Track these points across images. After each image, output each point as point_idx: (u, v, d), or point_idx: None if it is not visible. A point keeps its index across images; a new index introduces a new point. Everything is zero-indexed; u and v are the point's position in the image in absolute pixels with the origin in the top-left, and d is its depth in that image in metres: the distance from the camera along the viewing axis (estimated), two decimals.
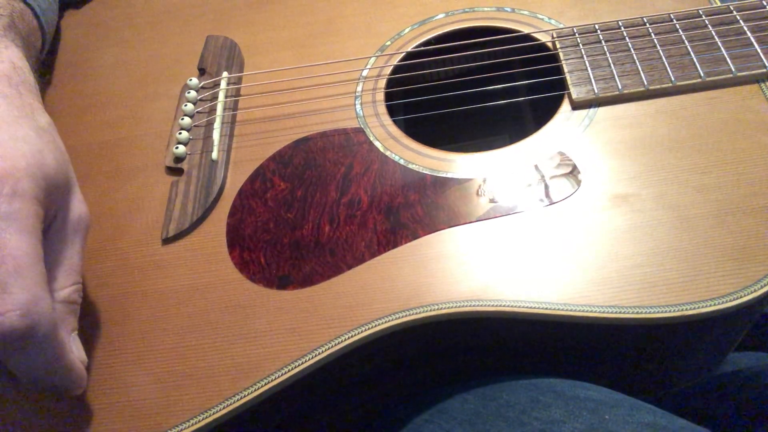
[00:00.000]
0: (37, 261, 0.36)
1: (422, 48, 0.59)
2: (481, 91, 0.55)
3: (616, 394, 0.43)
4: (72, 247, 0.40)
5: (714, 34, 0.51)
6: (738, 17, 0.52)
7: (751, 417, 0.52)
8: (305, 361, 0.41)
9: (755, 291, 0.40)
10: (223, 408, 0.40)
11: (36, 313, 0.34)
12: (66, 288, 0.39)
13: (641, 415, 0.39)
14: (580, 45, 0.54)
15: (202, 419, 0.40)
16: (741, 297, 0.40)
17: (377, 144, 0.52)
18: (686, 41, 0.52)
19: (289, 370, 0.41)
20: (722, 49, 0.50)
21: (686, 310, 0.40)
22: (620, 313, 0.40)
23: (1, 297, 0.33)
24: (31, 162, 0.37)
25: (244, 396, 0.41)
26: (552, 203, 0.46)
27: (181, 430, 0.40)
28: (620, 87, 0.50)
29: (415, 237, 0.46)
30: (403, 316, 0.42)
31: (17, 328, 0.33)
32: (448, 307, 0.42)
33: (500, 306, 0.42)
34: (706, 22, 0.52)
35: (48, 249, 0.38)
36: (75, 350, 0.39)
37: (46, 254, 0.37)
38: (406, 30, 0.60)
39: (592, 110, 0.51)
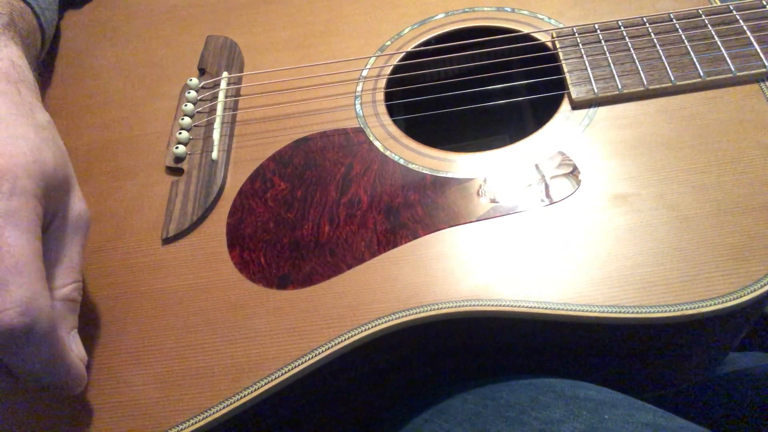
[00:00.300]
0: (36, 258, 0.36)
1: (422, 48, 0.59)
2: (480, 91, 0.55)
3: (616, 393, 0.43)
4: (72, 245, 0.40)
5: (714, 33, 0.51)
6: (738, 17, 0.52)
7: (751, 417, 0.51)
8: (305, 361, 0.41)
9: (755, 290, 0.40)
10: (223, 408, 0.40)
11: (35, 311, 0.34)
12: (66, 286, 0.39)
13: (640, 415, 0.39)
14: (580, 45, 0.54)
15: (202, 419, 0.40)
16: (741, 296, 0.40)
17: (377, 144, 0.52)
18: (686, 41, 0.52)
19: (288, 370, 0.41)
20: (722, 48, 0.50)
21: (686, 309, 0.40)
22: (620, 312, 0.40)
23: (3, 294, 0.33)
24: (30, 159, 0.37)
25: (244, 396, 0.41)
26: (552, 203, 0.46)
27: (181, 429, 0.40)
28: (620, 87, 0.50)
29: (415, 237, 0.46)
30: (403, 316, 0.42)
31: (16, 326, 0.33)
32: (448, 307, 0.42)
33: (500, 306, 0.42)
34: (706, 21, 0.52)
35: (48, 247, 0.38)
36: (75, 348, 0.39)
37: (45, 252, 0.37)
38: (406, 30, 0.60)
39: (591, 110, 0.51)
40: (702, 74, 0.50)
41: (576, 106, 0.51)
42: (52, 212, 0.39)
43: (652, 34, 0.53)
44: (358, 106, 0.55)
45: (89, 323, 0.45)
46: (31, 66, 0.47)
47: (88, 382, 0.42)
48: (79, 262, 0.41)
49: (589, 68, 0.52)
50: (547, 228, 0.44)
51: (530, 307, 0.41)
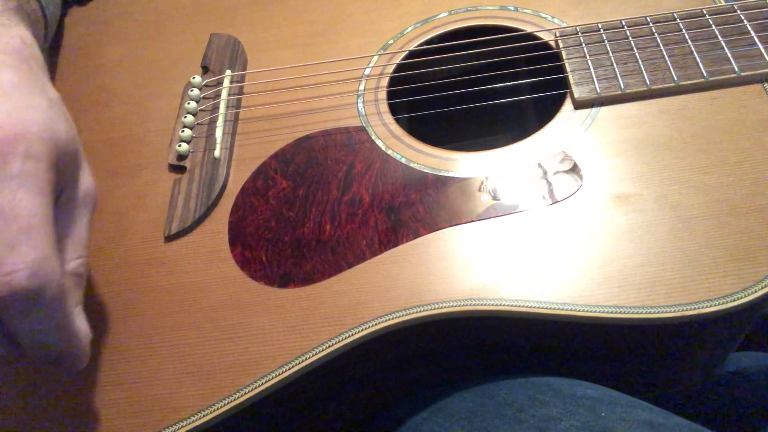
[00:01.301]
0: (48, 222, 0.35)
1: (425, 47, 0.59)
2: (483, 89, 0.55)
3: (614, 392, 0.43)
4: (80, 219, 0.39)
5: (717, 33, 0.51)
6: (742, 16, 0.52)
7: (751, 417, 0.52)
8: (305, 359, 0.42)
9: (756, 291, 0.40)
10: (224, 405, 0.41)
11: (45, 274, 0.33)
12: (73, 260, 0.38)
13: (637, 413, 0.39)
14: (583, 44, 0.54)
15: (203, 416, 0.40)
16: (741, 298, 0.40)
17: (379, 142, 0.52)
18: (689, 41, 0.51)
19: (289, 368, 0.41)
20: (725, 48, 0.50)
21: (686, 310, 0.40)
22: (620, 312, 0.40)
23: (10, 255, 0.32)
24: (43, 128, 0.37)
25: (245, 393, 0.41)
26: (553, 203, 0.46)
27: (183, 426, 0.40)
28: (622, 86, 0.50)
29: (417, 236, 0.46)
30: (403, 315, 0.42)
31: (25, 288, 0.32)
32: (449, 306, 0.42)
33: (500, 305, 0.42)
34: (710, 21, 0.52)
35: (56, 220, 0.37)
36: (80, 324, 0.38)
37: (55, 224, 0.36)
38: (409, 28, 0.60)
39: (594, 109, 0.50)
40: (705, 74, 0.49)
41: (578, 105, 0.51)
42: (62, 184, 0.39)
43: (655, 33, 0.53)
44: (360, 105, 0.55)
45: (91, 320, 0.45)
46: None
47: (89, 378, 0.43)
48: (86, 237, 0.40)
49: (591, 68, 0.52)
50: (549, 227, 0.44)
51: (531, 307, 0.41)
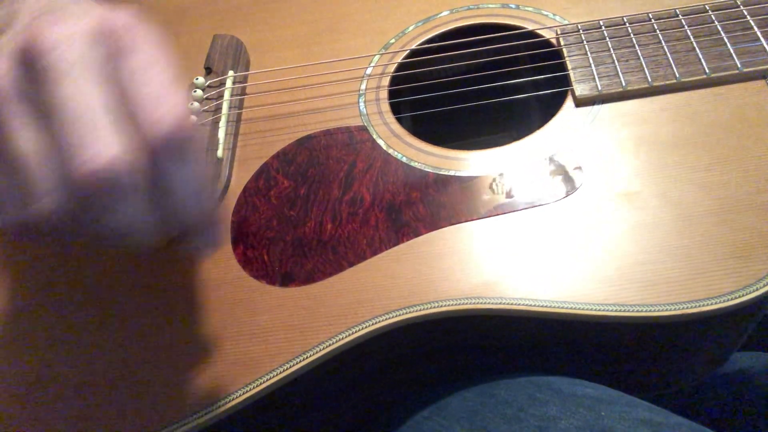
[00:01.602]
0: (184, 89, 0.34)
1: (426, 45, 0.59)
2: (484, 88, 0.54)
3: (614, 391, 0.43)
4: None
5: (720, 29, 0.51)
6: (744, 12, 0.51)
7: (751, 417, 0.51)
8: (306, 358, 0.42)
9: (757, 290, 0.39)
10: (225, 404, 0.41)
11: (189, 123, 0.32)
12: None
13: (637, 412, 0.39)
14: (584, 41, 0.53)
15: (204, 414, 0.41)
16: (743, 296, 0.39)
17: (380, 142, 0.52)
18: (691, 37, 0.51)
19: (290, 367, 0.42)
20: (728, 44, 0.50)
21: (687, 308, 0.40)
22: (621, 311, 0.40)
23: (158, 103, 0.31)
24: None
25: (246, 392, 0.41)
26: (554, 201, 0.46)
27: (184, 425, 0.41)
28: (624, 84, 0.50)
29: (417, 235, 0.46)
30: (404, 314, 0.42)
31: (176, 128, 0.31)
32: (449, 305, 0.42)
33: (501, 304, 0.42)
34: (712, 17, 0.52)
35: None
36: None
37: None
38: (411, 27, 0.60)
39: (595, 107, 0.50)
40: (707, 70, 0.49)
41: (580, 103, 0.51)
42: None
43: (657, 30, 0.52)
44: (361, 104, 0.55)
45: (93, 320, 0.46)
46: None
47: (90, 378, 0.43)
48: None
49: (593, 65, 0.52)
50: (549, 226, 0.44)
51: (531, 306, 0.41)
